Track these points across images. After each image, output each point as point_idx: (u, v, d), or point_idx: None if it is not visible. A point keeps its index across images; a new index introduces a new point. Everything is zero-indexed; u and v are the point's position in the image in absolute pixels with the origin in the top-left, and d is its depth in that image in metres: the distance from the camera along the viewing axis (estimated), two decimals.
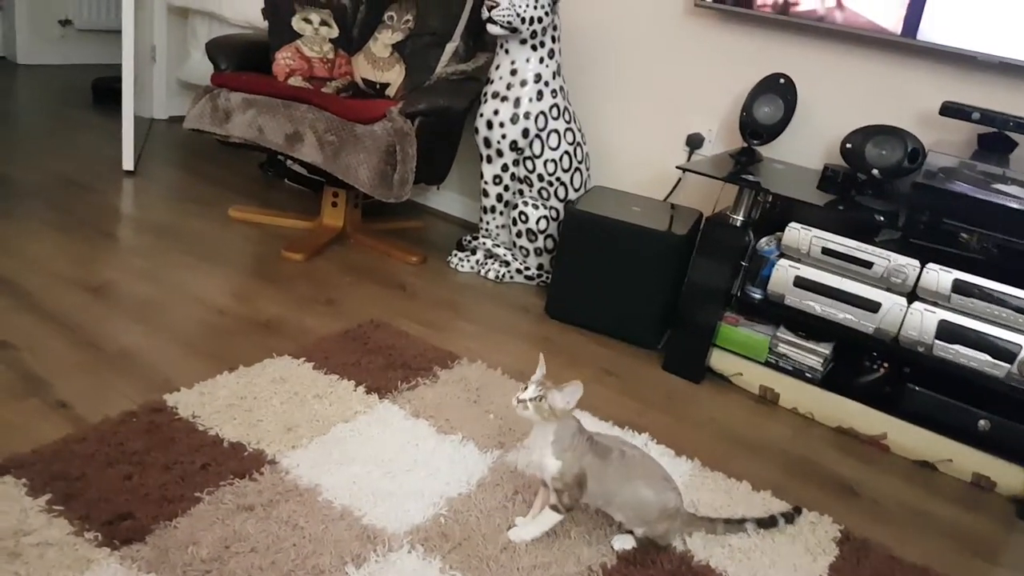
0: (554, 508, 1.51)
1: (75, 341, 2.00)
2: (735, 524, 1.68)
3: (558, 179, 2.70)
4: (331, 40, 2.92)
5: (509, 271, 2.85)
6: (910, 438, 2.10)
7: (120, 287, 2.32)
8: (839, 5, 2.34)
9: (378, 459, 1.72)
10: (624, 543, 1.58)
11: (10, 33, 4.81)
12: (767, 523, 1.70)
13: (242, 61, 2.85)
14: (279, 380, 1.95)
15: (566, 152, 2.68)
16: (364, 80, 2.95)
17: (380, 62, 2.91)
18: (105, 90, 4.33)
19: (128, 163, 3.30)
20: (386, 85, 2.92)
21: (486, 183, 2.79)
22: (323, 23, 2.91)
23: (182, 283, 2.41)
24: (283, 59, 2.85)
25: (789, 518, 1.74)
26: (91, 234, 2.65)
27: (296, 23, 2.88)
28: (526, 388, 1.47)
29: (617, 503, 1.53)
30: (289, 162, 3.03)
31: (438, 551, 1.48)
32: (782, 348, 2.25)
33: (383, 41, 2.92)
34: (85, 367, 1.90)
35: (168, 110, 4.24)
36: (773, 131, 2.42)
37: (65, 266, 2.39)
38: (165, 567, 1.34)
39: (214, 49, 2.83)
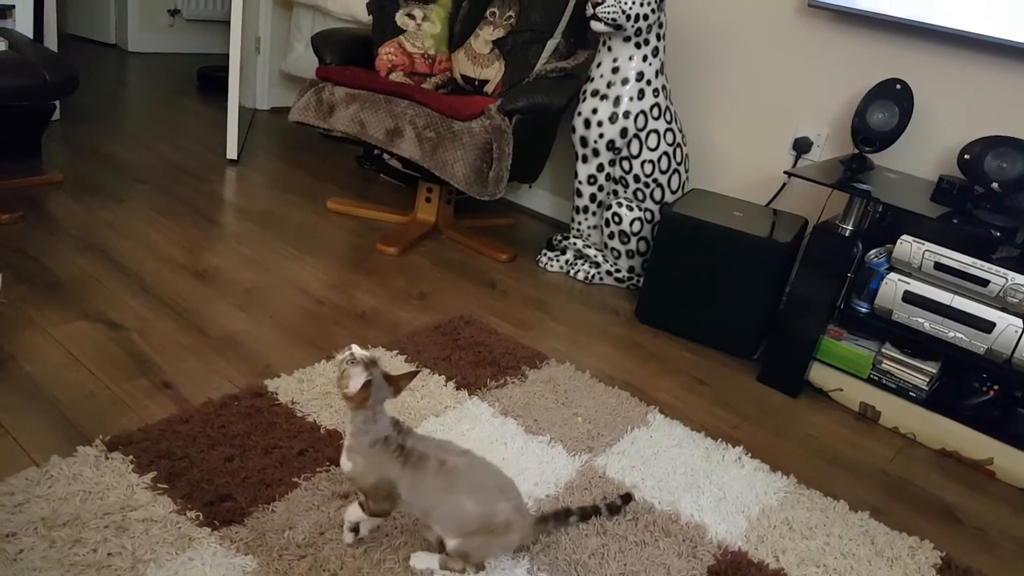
0: (361, 505, 1.37)
1: (182, 324, 2.07)
2: (561, 518, 1.56)
3: (655, 180, 2.66)
4: (433, 36, 2.94)
5: (599, 272, 2.82)
6: (1018, 464, 2.01)
7: (225, 273, 2.40)
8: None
9: None
10: (426, 562, 1.41)
11: (122, 21, 5.04)
12: (588, 513, 1.59)
13: (346, 55, 2.90)
14: None
15: (665, 153, 2.63)
16: (463, 76, 2.97)
17: (480, 58, 2.92)
18: (209, 79, 4.49)
19: (232, 152, 3.40)
20: (485, 82, 2.92)
21: (580, 182, 2.76)
22: (426, 19, 2.93)
23: (283, 271, 2.48)
24: (386, 54, 2.88)
25: (614, 508, 1.62)
26: (198, 220, 2.75)
27: (399, 19, 2.91)
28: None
29: (436, 515, 1.35)
30: (385, 156, 3.07)
31: (526, 552, 1.48)
32: (886, 365, 2.16)
33: (484, 37, 2.93)
34: (191, 350, 1.96)
35: (270, 101, 4.37)
36: (887, 138, 2.32)
37: (174, 251, 2.48)
38: (262, 550, 1.38)
39: (319, 42, 2.89)
